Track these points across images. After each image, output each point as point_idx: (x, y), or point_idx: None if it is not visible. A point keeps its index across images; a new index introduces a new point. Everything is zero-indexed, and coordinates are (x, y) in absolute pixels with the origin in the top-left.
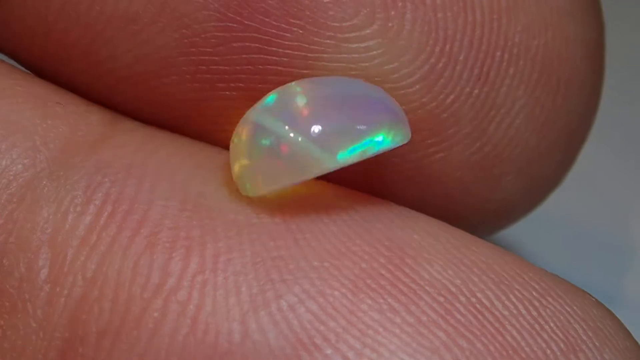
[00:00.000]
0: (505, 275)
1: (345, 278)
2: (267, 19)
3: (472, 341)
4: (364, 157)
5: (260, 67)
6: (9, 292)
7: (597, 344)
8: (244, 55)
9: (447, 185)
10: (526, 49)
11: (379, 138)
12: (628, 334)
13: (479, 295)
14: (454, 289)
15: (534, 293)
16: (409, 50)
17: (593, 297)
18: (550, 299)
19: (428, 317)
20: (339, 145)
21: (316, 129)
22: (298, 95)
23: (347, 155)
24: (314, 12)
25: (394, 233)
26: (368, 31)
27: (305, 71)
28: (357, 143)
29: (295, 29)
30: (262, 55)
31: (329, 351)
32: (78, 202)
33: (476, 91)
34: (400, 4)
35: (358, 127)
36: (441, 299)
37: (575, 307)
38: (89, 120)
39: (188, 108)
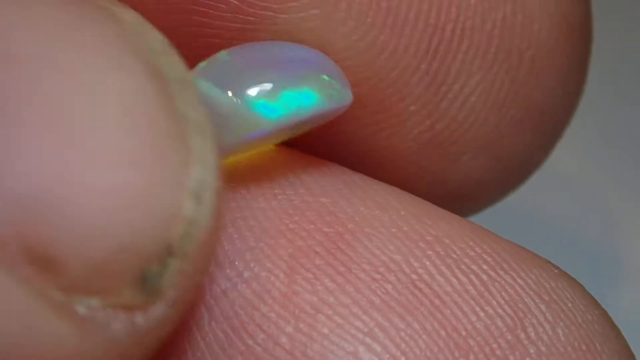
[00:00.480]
0: (454, 247)
1: (280, 259)
2: None
3: (409, 321)
4: (299, 116)
5: (197, 39)
6: None
7: (549, 318)
8: (182, 29)
9: (400, 163)
10: (481, 22)
11: (306, 93)
12: (594, 307)
13: (420, 271)
14: (392, 266)
15: (484, 266)
16: (347, 22)
17: (557, 268)
18: (501, 272)
19: (363, 297)
20: (263, 101)
21: (242, 89)
22: (225, 57)
23: (279, 115)
24: None
25: (337, 206)
26: (305, 1)
27: (243, 43)
28: (283, 101)
29: (231, 0)
30: (198, 28)
31: (261, 337)
32: None
33: (424, 66)
34: None
35: (279, 82)
36: (378, 277)
37: (529, 280)
38: None
39: None
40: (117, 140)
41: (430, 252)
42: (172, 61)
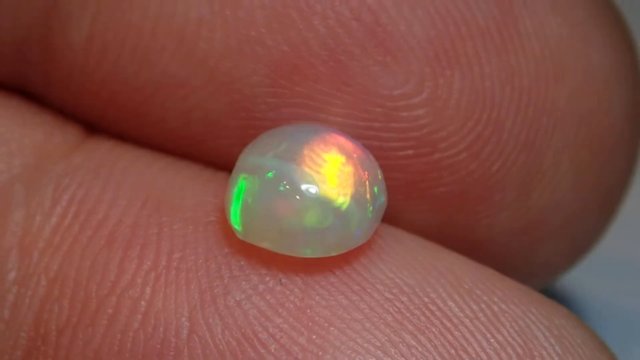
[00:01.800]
0: (466, 279)
1: (296, 275)
2: (317, 86)
3: (420, 339)
4: None
5: None
6: None
7: (559, 351)
8: (292, 121)
9: (490, 249)
10: (571, 114)
11: None
12: (601, 348)
13: (432, 295)
14: (406, 288)
15: (495, 298)
16: (456, 119)
17: (566, 309)
18: (512, 306)
19: (376, 314)
20: None
21: None
22: None
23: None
24: (364, 79)
25: None
26: (417, 100)
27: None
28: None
29: (346, 96)
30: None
31: (273, 347)
32: (46, 204)
33: (522, 157)
34: (448, 73)
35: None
36: (391, 297)
37: (540, 316)
38: (65, 129)
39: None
40: None
41: (443, 281)
42: None
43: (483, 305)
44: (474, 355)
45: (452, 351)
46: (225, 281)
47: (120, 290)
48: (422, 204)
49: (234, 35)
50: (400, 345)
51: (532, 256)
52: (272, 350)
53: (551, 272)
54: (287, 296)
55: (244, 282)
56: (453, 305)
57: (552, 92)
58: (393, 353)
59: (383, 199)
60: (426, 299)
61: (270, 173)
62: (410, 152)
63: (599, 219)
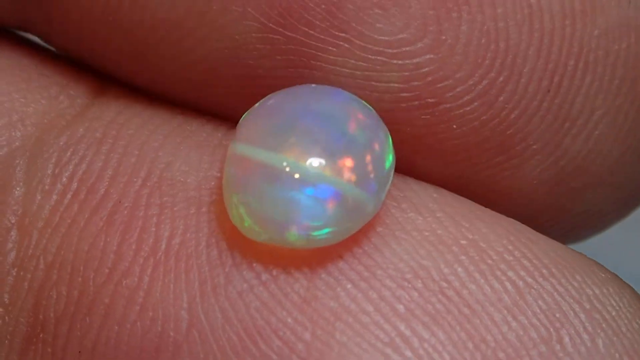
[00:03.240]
0: (490, 252)
1: (301, 261)
2: (311, 31)
3: (433, 330)
4: None
5: (306, 82)
6: None
7: (589, 328)
8: (289, 69)
9: (520, 201)
10: (605, 54)
11: None
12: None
13: (450, 277)
14: (421, 272)
15: (522, 272)
16: (464, 66)
17: (606, 271)
18: (540, 279)
19: (387, 304)
20: None
21: None
22: None
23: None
24: (360, 24)
25: None
26: (419, 45)
27: (352, 90)
28: None
29: (341, 42)
30: (307, 70)
31: (276, 343)
32: (46, 181)
33: (545, 104)
34: (455, 15)
35: None
36: (404, 283)
37: (570, 287)
38: (73, 90)
39: (235, 118)
40: None
41: (463, 257)
42: None
43: (507, 284)
44: (493, 345)
45: (470, 344)
46: (227, 270)
47: (117, 278)
48: (432, 159)
49: None
50: (412, 339)
51: (571, 206)
52: (275, 347)
53: (597, 224)
54: (291, 285)
55: (246, 271)
56: (473, 287)
57: (580, 31)
58: (403, 349)
59: (389, 163)
60: (443, 283)
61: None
62: (414, 103)
63: None
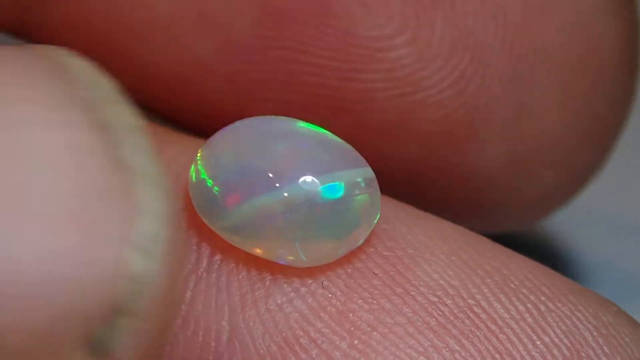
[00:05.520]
0: (512, 278)
1: (338, 277)
2: (303, 28)
3: (464, 343)
4: None
5: (295, 77)
6: None
7: (607, 351)
8: (280, 65)
9: (481, 184)
10: (561, 48)
11: None
12: None
13: (477, 297)
14: (450, 290)
15: (542, 297)
16: (439, 58)
17: (616, 306)
18: (559, 304)
19: (419, 318)
20: None
21: None
22: None
23: None
24: (347, 21)
25: (399, 232)
26: (400, 40)
27: (340, 83)
28: None
29: (329, 38)
30: (297, 65)
31: (314, 352)
32: None
33: (508, 93)
34: (430, 12)
35: None
36: (435, 299)
37: (587, 314)
38: None
39: (224, 115)
40: (52, 200)
41: (488, 280)
42: (121, 110)
43: (530, 305)
44: (519, 359)
45: (497, 356)
46: (267, 284)
47: None
48: (409, 143)
49: None
50: (444, 350)
51: (527, 188)
52: (314, 356)
53: (549, 205)
54: (329, 299)
55: (285, 285)
56: (499, 306)
57: (539, 27)
58: (436, 358)
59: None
60: (471, 301)
61: None
62: (395, 91)
63: (596, 151)
